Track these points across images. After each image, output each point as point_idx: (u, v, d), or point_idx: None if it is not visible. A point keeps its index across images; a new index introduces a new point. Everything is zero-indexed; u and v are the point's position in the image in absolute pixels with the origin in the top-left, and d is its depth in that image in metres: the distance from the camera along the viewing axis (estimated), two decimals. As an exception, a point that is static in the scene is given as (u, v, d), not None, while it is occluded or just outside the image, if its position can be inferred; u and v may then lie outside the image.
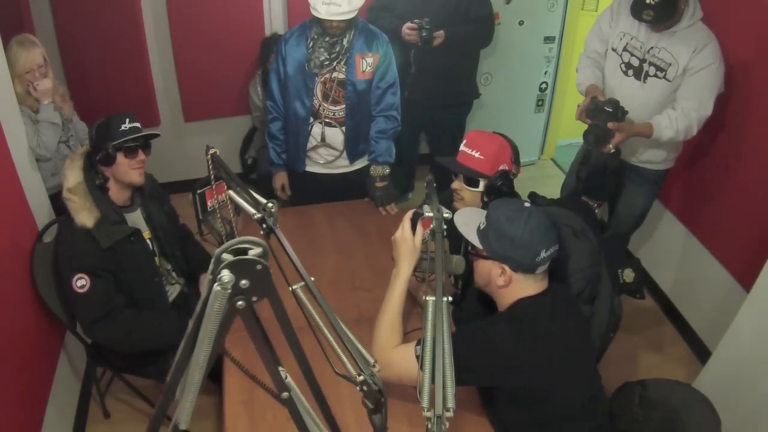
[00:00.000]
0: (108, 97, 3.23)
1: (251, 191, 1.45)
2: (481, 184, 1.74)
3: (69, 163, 1.83)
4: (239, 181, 1.52)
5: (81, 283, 1.74)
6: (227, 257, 0.81)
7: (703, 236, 2.69)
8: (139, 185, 1.91)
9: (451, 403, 0.97)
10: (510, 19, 3.65)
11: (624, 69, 2.32)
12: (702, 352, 2.63)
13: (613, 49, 2.34)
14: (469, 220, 1.53)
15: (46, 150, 2.24)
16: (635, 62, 2.27)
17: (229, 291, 0.80)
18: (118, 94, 3.26)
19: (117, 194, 1.89)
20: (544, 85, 4.04)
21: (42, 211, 2.14)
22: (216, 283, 0.80)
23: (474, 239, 1.48)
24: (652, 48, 2.21)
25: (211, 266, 0.84)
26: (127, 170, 1.85)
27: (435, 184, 1.58)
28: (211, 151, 1.55)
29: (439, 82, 2.99)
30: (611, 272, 1.88)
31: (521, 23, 3.70)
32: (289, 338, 0.95)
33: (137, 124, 1.85)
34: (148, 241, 1.97)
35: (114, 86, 3.25)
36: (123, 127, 1.81)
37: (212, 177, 1.60)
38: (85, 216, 1.74)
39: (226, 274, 0.79)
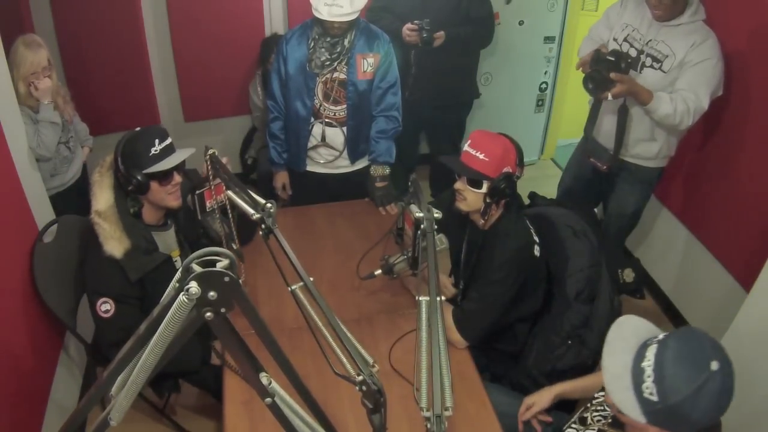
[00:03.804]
0: (108, 97, 3.23)
1: (250, 192, 1.46)
2: (485, 185, 1.72)
3: (98, 178, 1.69)
4: (238, 182, 1.52)
5: (105, 307, 1.67)
6: (196, 268, 0.81)
7: (702, 236, 2.69)
8: (175, 209, 1.78)
9: (449, 403, 0.97)
10: (510, 19, 3.65)
11: None
12: (702, 352, 2.63)
13: (615, 39, 2.36)
14: (623, 363, 1.12)
15: (46, 150, 2.24)
16: (633, 53, 2.29)
17: (194, 302, 0.80)
18: (118, 94, 3.26)
19: (150, 215, 1.77)
20: (544, 85, 4.04)
21: (42, 211, 2.14)
22: (182, 293, 0.79)
23: (635, 413, 1.09)
24: (651, 40, 2.23)
25: (178, 274, 0.83)
26: (163, 197, 1.71)
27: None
28: (210, 152, 1.56)
29: (439, 82, 2.99)
30: (611, 272, 1.88)
31: (521, 23, 3.70)
32: (269, 348, 0.94)
33: (168, 142, 1.69)
34: (178, 260, 1.87)
35: (114, 86, 3.24)
36: (153, 151, 1.64)
37: (211, 177, 1.60)
38: (114, 245, 1.63)
39: (193, 286, 0.79)
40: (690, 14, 2.16)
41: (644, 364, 1.07)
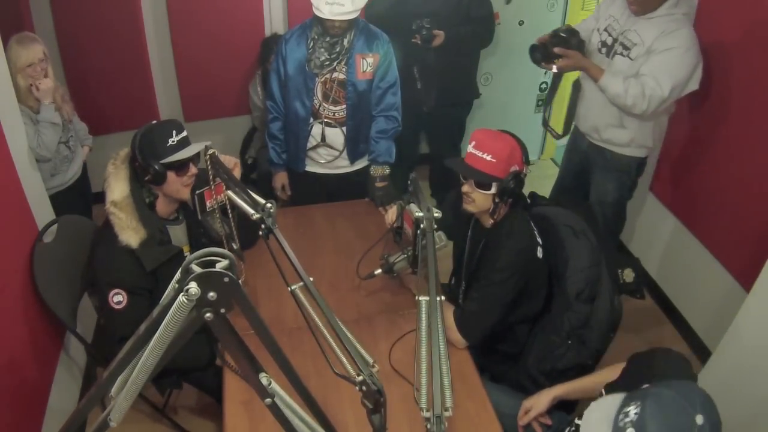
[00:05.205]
0: (108, 97, 3.23)
1: (250, 192, 1.46)
2: (494, 186, 1.70)
3: (113, 170, 1.70)
4: (238, 182, 1.52)
5: (118, 299, 1.67)
6: (196, 269, 0.81)
7: (702, 236, 2.69)
8: (187, 201, 1.81)
9: (449, 404, 0.97)
10: (510, 19, 3.65)
11: (599, 47, 2.43)
12: (702, 352, 2.63)
13: (597, 29, 2.45)
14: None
15: (46, 150, 2.24)
16: (609, 41, 2.38)
17: (194, 303, 0.80)
18: (118, 94, 3.26)
19: (164, 208, 1.80)
20: (544, 85, 4.04)
21: (42, 211, 2.14)
22: (182, 294, 0.79)
23: None
24: (626, 30, 2.30)
25: (178, 275, 0.83)
26: (179, 188, 1.74)
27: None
28: (210, 152, 1.56)
29: (439, 82, 2.98)
30: (611, 272, 1.88)
31: (521, 23, 3.70)
32: (269, 348, 0.94)
33: (184, 134, 1.71)
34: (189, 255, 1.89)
35: (114, 86, 3.24)
36: (170, 142, 1.67)
37: (211, 177, 1.60)
38: (130, 235, 1.65)
39: (193, 287, 0.79)
40: (667, 7, 2.21)
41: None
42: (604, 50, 2.40)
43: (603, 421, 1.04)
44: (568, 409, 1.71)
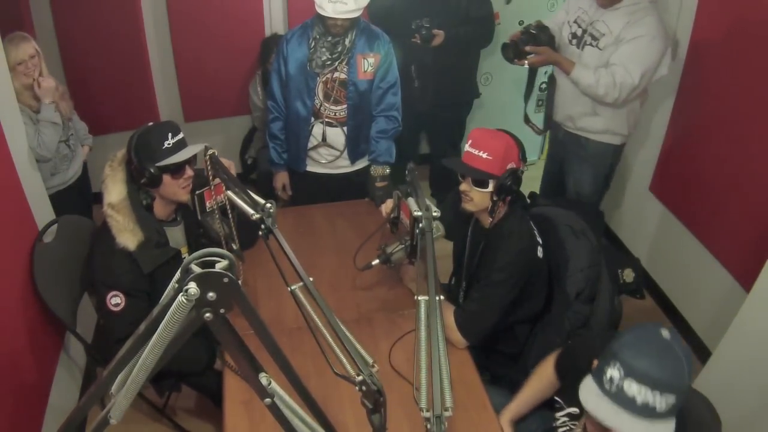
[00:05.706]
0: (108, 96, 3.24)
1: (250, 192, 1.46)
2: (491, 184, 1.70)
3: (110, 172, 1.69)
4: (237, 182, 1.52)
5: (116, 301, 1.67)
6: (195, 269, 0.81)
7: (702, 236, 2.69)
8: (185, 203, 1.80)
9: (449, 404, 0.97)
10: (510, 19, 3.64)
11: (570, 38, 2.48)
12: (702, 352, 2.63)
13: (568, 21, 2.51)
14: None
15: (46, 150, 2.24)
16: (579, 32, 2.43)
17: (193, 303, 0.80)
18: (118, 94, 3.27)
19: (161, 210, 1.78)
20: (544, 85, 4.03)
21: (42, 211, 2.14)
22: (181, 294, 0.79)
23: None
24: (594, 21, 2.36)
25: (177, 275, 0.83)
26: (176, 190, 1.72)
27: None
28: (209, 152, 1.55)
29: (439, 82, 2.98)
30: (611, 272, 1.88)
31: (521, 23, 3.69)
32: (269, 348, 0.94)
33: (180, 136, 1.69)
34: (187, 257, 1.87)
35: (114, 86, 3.25)
36: (166, 144, 1.65)
37: (211, 178, 1.60)
38: (127, 238, 1.64)
39: (192, 287, 0.79)
40: None
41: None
42: (574, 42, 2.44)
43: (599, 400, 1.10)
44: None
